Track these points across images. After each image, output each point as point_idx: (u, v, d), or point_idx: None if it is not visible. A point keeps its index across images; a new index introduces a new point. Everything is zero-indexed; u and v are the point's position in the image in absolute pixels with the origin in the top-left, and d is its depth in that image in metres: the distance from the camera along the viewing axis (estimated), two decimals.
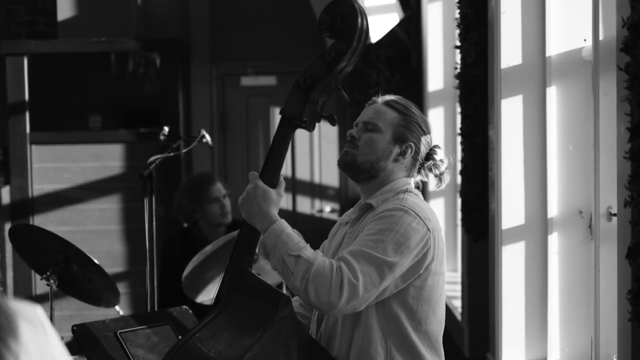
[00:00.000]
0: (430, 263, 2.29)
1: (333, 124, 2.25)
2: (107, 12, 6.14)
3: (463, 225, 4.29)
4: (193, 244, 4.29)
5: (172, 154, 3.69)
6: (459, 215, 4.38)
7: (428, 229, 2.28)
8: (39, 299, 5.65)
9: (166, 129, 3.83)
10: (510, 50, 3.51)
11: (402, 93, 2.51)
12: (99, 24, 6.08)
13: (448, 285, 4.62)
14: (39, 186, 5.78)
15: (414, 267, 2.26)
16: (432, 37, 5.74)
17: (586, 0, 3.12)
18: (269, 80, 6.83)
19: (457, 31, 4.20)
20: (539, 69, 3.48)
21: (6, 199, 5.78)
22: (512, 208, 3.54)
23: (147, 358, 2.70)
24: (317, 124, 2.29)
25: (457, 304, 4.92)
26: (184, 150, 4.03)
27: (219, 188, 4.48)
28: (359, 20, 2.20)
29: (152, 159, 3.48)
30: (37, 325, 1.39)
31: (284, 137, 2.27)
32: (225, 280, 2.26)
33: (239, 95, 6.80)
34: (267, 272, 3.32)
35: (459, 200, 4.43)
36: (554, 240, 3.44)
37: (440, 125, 5.56)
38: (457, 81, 4.25)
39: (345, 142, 2.43)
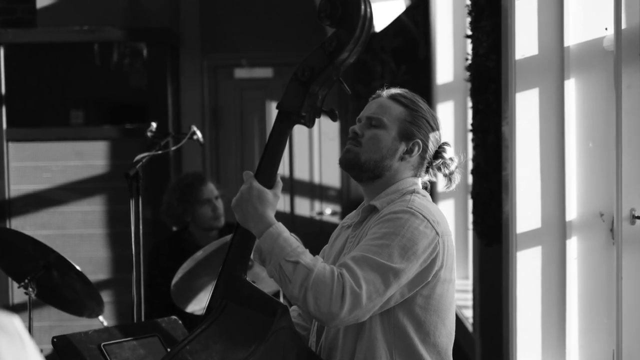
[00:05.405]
0: (439, 270, 2.29)
1: (334, 120, 2.25)
2: None
3: (474, 229, 4.29)
4: (183, 249, 4.30)
5: (160, 152, 3.69)
6: (470, 218, 4.38)
7: (437, 233, 2.28)
8: (16, 309, 5.65)
9: (154, 124, 3.84)
10: (525, 40, 3.51)
11: (409, 86, 2.51)
12: (81, 12, 6.08)
13: (458, 293, 4.63)
14: (16, 186, 5.78)
15: (421, 274, 2.26)
16: (441, 26, 5.74)
17: None
18: (265, 73, 6.83)
19: (468, 19, 4.20)
20: (557, 60, 3.48)
21: None
22: (527, 210, 3.54)
23: None
24: (317, 120, 2.29)
25: (468, 313, 4.92)
26: (173, 148, 4.04)
27: (211, 189, 4.48)
28: (362, 7, 2.20)
29: (138, 157, 3.48)
30: (14, 337, 1.39)
31: (282, 133, 2.27)
32: (217, 288, 2.26)
33: (233, 88, 6.80)
34: (263, 280, 3.32)
35: (470, 202, 4.43)
36: (573, 245, 3.44)
37: (449, 120, 5.56)
38: (468, 73, 4.25)
39: (347, 139, 2.43)
